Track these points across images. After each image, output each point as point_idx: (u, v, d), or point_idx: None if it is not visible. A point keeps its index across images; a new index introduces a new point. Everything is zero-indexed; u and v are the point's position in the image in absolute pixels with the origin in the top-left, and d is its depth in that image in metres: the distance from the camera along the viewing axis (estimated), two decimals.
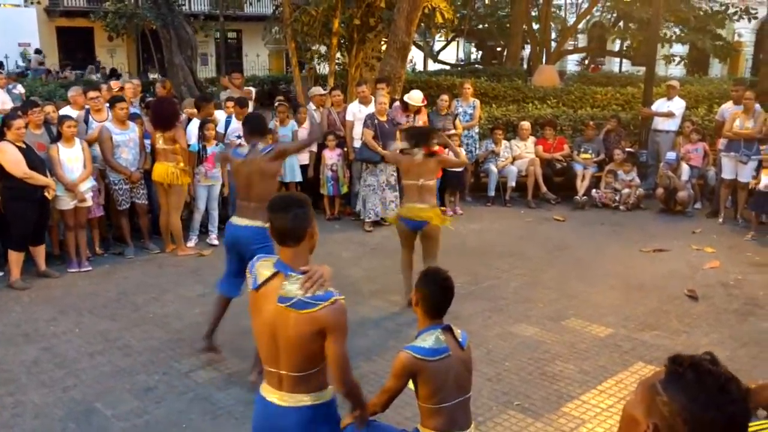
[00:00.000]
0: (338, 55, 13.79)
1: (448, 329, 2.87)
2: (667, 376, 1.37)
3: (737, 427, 1.31)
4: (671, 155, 9.64)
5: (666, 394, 1.34)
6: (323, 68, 15.04)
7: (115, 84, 9.59)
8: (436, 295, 2.88)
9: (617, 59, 25.94)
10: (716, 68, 27.89)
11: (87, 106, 7.73)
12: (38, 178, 6.36)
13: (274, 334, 2.45)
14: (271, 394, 2.54)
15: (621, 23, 21.68)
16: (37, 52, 23.13)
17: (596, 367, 4.89)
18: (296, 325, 2.40)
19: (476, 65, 25.95)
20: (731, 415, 1.30)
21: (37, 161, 6.45)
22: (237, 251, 4.71)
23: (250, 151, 4.79)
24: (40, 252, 6.75)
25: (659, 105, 10.64)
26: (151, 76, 19.67)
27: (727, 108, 9.57)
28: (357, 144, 8.85)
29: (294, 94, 12.97)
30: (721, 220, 9.10)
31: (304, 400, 2.50)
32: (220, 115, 8.50)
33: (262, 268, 2.53)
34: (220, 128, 8.17)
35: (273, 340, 2.46)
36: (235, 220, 4.76)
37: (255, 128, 4.96)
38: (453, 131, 9.52)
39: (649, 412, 1.36)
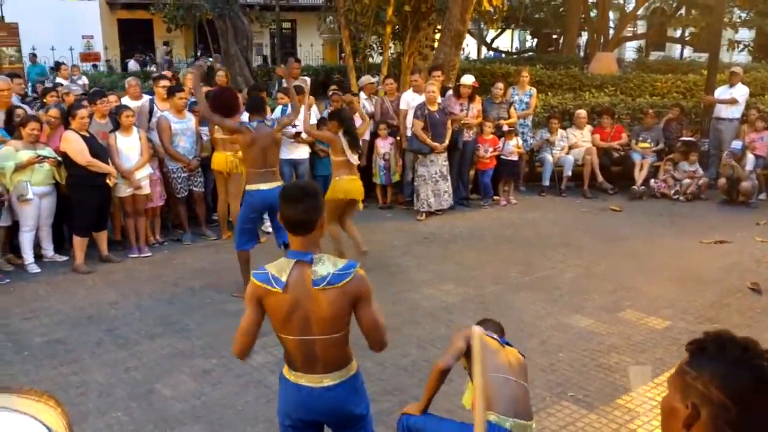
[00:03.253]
0: (391, 44, 13.77)
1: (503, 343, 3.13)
2: (691, 355, 1.40)
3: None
4: (737, 144, 9.33)
5: (694, 369, 1.36)
6: (377, 57, 15.05)
7: (166, 74, 9.79)
8: None
9: (678, 46, 25.17)
10: None
11: (150, 97, 7.91)
12: (100, 166, 6.56)
13: (308, 322, 2.54)
14: (305, 379, 2.64)
15: (683, 9, 21.01)
16: (165, 44, 24.13)
17: (653, 360, 4.79)
18: (333, 301, 2.52)
19: (531, 53, 25.56)
20: (761, 370, 1.31)
21: (99, 149, 6.66)
22: (264, 212, 5.94)
23: (259, 125, 5.64)
24: (102, 238, 6.99)
25: (721, 92, 10.31)
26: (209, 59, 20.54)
27: None
28: (410, 133, 8.83)
29: (348, 83, 13.03)
30: None
31: (340, 376, 2.66)
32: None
33: (273, 269, 2.56)
34: (276, 116, 8.24)
35: (307, 330, 2.55)
36: (265, 185, 5.60)
37: (255, 106, 5.92)
38: (508, 119, 9.43)
39: (684, 395, 1.37)
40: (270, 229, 7.94)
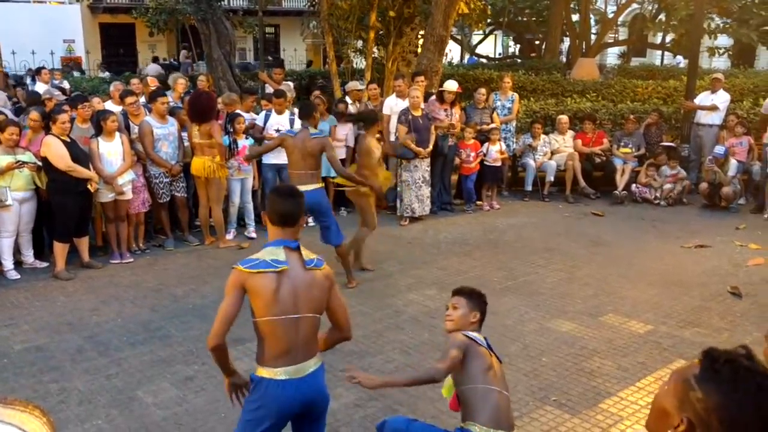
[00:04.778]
0: (375, 49, 13.78)
1: (487, 346, 3.09)
2: (701, 372, 1.33)
3: None
4: (719, 149, 9.40)
5: (701, 390, 1.30)
6: (360, 62, 15.05)
7: (152, 81, 9.70)
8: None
9: (659, 52, 25.42)
10: (763, 60, 27.16)
11: (124, 110, 7.72)
12: (81, 171, 6.50)
13: (297, 299, 2.76)
14: (286, 371, 2.76)
15: (663, 15, 21.20)
16: (185, 47, 24.05)
17: (635, 364, 4.83)
18: (320, 282, 2.84)
19: (514, 58, 25.70)
20: None
21: (80, 155, 6.60)
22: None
23: (301, 131, 6.14)
24: (83, 243, 6.92)
25: (703, 98, 10.41)
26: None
27: None
28: (393, 138, 8.84)
29: (331, 88, 13.02)
30: (766, 215, 8.89)
31: (317, 362, 2.88)
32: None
33: (269, 255, 2.79)
34: (259, 122, 8.21)
35: (295, 307, 2.75)
36: (303, 188, 5.51)
37: (306, 113, 6.37)
38: (491, 125, 9.47)
39: (681, 406, 1.33)
40: (254, 234, 7.96)
